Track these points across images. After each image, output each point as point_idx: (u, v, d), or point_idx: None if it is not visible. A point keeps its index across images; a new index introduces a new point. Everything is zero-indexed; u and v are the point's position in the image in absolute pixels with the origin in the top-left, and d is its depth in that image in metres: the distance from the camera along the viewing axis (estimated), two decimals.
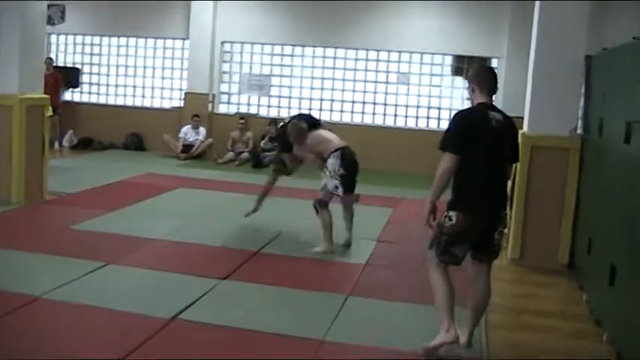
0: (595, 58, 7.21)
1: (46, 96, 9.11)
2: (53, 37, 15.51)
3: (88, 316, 5.09)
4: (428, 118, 14.16)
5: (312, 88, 14.56)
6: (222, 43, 14.79)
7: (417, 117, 14.20)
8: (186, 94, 14.83)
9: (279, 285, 6.09)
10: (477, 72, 5.00)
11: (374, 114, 14.34)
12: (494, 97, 4.98)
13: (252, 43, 14.78)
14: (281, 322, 5.17)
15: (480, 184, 4.69)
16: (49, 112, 9.08)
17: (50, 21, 12.78)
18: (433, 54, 13.96)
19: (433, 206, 4.85)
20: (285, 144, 7.62)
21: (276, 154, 7.79)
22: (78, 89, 15.66)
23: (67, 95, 15.38)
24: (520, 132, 6.18)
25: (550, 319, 5.92)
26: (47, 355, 4.33)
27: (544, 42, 7.60)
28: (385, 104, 14.27)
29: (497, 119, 4.74)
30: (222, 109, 15.05)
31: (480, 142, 4.64)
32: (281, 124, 7.58)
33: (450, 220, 4.71)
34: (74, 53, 15.92)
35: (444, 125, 13.85)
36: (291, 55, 14.61)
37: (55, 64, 14.41)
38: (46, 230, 7.63)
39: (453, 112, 13.58)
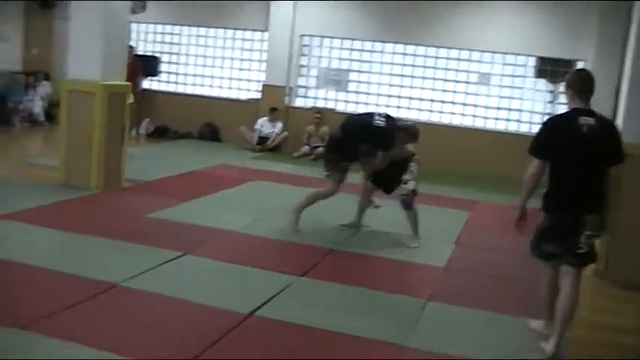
0: None
1: (128, 83, 9.16)
2: (134, 26, 15.63)
3: (165, 306, 5.04)
4: (508, 120, 13.82)
5: (390, 85, 14.36)
6: (302, 36, 14.70)
7: (496, 119, 13.86)
8: (263, 86, 14.79)
9: (356, 285, 5.96)
10: (575, 77, 4.99)
11: (452, 113, 14.07)
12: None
13: (332, 38, 14.64)
14: (359, 325, 5.03)
15: (566, 188, 4.80)
16: (130, 100, 9.12)
17: (132, 9, 12.88)
18: (516, 55, 13.60)
19: (522, 211, 5.01)
20: (391, 143, 7.41)
21: (368, 152, 7.50)
22: (156, 78, 15.78)
23: (145, 83, 15.50)
24: None
25: (629, 335, 5.67)
26: (123, 345, 4.29)
27: None
28: (464, 104, 13.98)
29: (589, 124, 4.74)
30: (299, 102, 14.97)
31: (567, 147, 4.76)
32: (383, 123, 7.34)
33: (540, 218, 4.98)
34: (154, 42, 16.07)
35: (524, 128, 13.64)
36: (371, 51, 14.42)
37: (135, 53, 14.54)
38: (123, 217, 7.63)
39: (534, 116, 13.36)
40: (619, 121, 7.47)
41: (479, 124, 13.92)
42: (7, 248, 5.96)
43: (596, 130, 4.73)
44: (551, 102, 13.65)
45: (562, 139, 4.76)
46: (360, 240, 7.49)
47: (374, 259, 6.87)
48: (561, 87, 4.98)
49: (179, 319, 4.85)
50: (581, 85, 4.89)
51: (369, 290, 5.85)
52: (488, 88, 13.83)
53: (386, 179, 7.58)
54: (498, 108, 13.83)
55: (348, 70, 14.63)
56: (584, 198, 4.79)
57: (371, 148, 7.37)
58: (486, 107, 13.87)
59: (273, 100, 14.43)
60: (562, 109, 13.03)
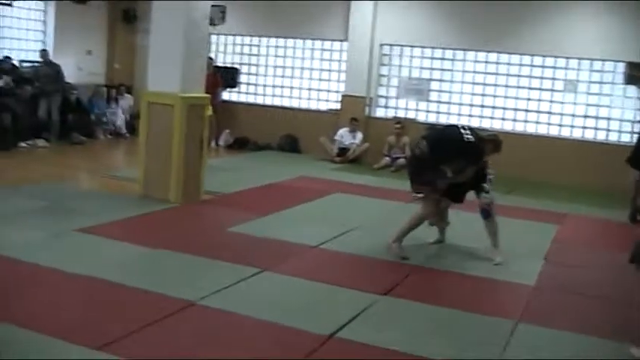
0: None
1: (207, 95, 9.12)
2: (213, 37, 15.70)
3: (243, 326, 4.88)
4: (596, 129, 13.31)
5: (472, 94, 14.03)
6: (381, 45, 14.51)
7: (583, 127, 13.37)
8: (343, 96, 14.65)
9: (441, 305, 5.67)
10: None
11: (537, 123, 13.64)
12: None
13: (412, 47, 14.41)
14: (445, 348, 4.77)
15: None
16: (209, 112, 9.07)
17: (211, 21, 12.91)
18: (604, 60, 13.10)
19: None
20: (482, 157, 7.14)
21: (462, 168, 7.10)
22: (236, 89, 15.81)
23: (225, 95, 15.54)
24: None
25: None
26: None
27: None
28: (550, 113, 13.53)
29: None
30: (379, 112, 14.77)
31: None
32: (471, 137, 7.01)
33: None
34: (233, 53, 16.11)
35: (613, 137, 13.11)
36: (452, 60, 14.14)
37: (214, 64, 14.58)
38: (202, 231, 7.55)
39: (624, 124, 12.89)
40: None
41: (565, 133, 13.45)
42: (86, 263, 5.93)
43: None
44: None
45: None
46: (442, 256, 7.22)
47: (458, 277, 6.60)
48: None
49: (257, 341, 4.68)
50: None
51: (454, 310, 5.58)
52: (575, 96, 13.35)
53: (460, 190, 7.28)
54: (585, 116, 13.36)
55: (429, 80, 14.36)
56: None
57: (462, 164, 6.98)
58: (572, 115, 13.40)
59: (353, 110, 14.26)
60: None
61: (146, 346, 4.39)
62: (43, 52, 13.69)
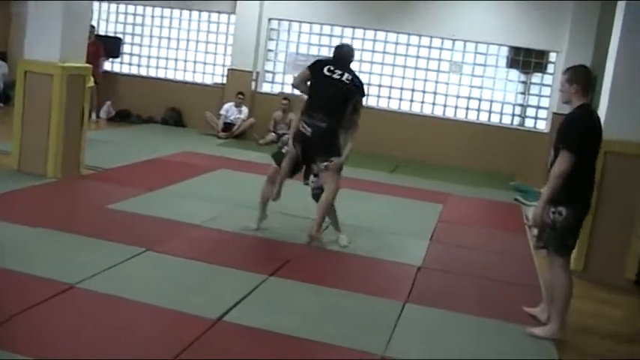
0: None
1: (89, 65, 8.71)
2: (95, 4, 15.03)
3: (126, 311, 4.66)
4: (479, 110, 13.58)
5: (359, 72, 14.01)
6: (270, 20, 14.29)
7: (467, 108, 13.62)
8: (229, 70, 14.36)
9: (329, 285, 5.62)
10: (584, 74, 5.14)
11: (422, 102, 13.78)
12: None
13: (300, 22, 14.26)
14: (336, 331, 4.71)
15: (591, 182, 5.18)
16: (91, 83, 8.68)
17: None
18: (488, 44, 13.36)
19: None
20: None
21: None
22: (118, 59, 15.25)
23: (107, 65, 14.98)
24: None
25: (622, 343, 5.41)
26: (80, 355, 3.92)
27: (627, 38, 6.97)
28: (435, 93, 13.70)
29: (599, 119, 5.22)
30: (266, 88, 14.58)
31: (595, 142, 5.11)
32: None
33: (562, 215, 4.99)
34: (116, 22, 15.45)
35: (495, 119, 13.42)
36: (340, 37, 14.06)
37: (96, 33, 14.03)
38: (82, 208, 7.23)
39: (506, 106, 13.23)
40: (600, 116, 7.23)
41: (449, 114, 13.66)
42: None
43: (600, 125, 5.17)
44: (522, 93, 13.45)
45: (595, 135, 5.09)
46: (328, 235, 7.11)
47: (345, 257, 6.57)
48: (565, 82, 5.03)
49: (139, 326, 4.48)
50: (587, 80, 5.09)
51: (342, 291, 5.52)
52: (460, 77, 13.57)
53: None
54: (469, 98, 13.59)
55: (317, 56, 14.24)
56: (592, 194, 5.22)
57: None
58: (457, 96, 13.61)
59: (240, 85, 14.02)
60: (533, 101, 12.98)
61: (22, 333, 4.10)
62: None
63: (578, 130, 4.94)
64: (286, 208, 7.51)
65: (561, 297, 5.06)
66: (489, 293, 5.97)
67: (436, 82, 13.68)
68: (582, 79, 5.04)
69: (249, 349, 4.31)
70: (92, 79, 8.83)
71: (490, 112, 13.53)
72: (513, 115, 13.48)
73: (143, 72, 15.35)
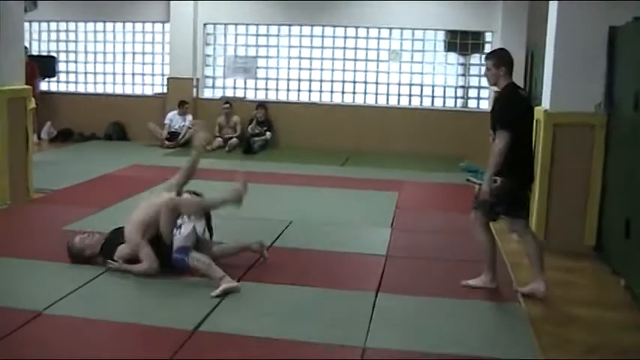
0: (624, 28, 6.72)
1: (29, 87, 8.52)
2: (26, 25, 14.70)
3: (101, 330, 4.58)
4: (421, 96, 13.69)
5: (300, 69, 14.02)
6: (205, 25, 14.19)
7: (410, 95, 13.72)
8: (169, 79, 14.20)
9: (299, 284, 5.61)
10: (506, 56, 5.52)
11: (365, 93, 13.84)
12: None
13: (236, 24, 14.19)
14: (313, 329, 4.70)
15: (525, 156, 5.50)
16: (32, 104, 8.49)
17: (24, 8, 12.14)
18: (425, 30, 13.48)
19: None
20: None
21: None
22: (54, 78, 14.97)
23: (44, 85, 14.69)
24: (541, 109, 7.01)
25: (591, 308, 5.50)
26: None
27: (565, 14, 7.07)
28: (377, 83, 13.78)
29: (525, 96, 5.69)
30: (207, 93, 14.47)
31: (525, 117, 5.51)
32: None
33: (496, 184, 5.36)
34: (49, 41, 15.16)
35: (438, 103, 13.54)
36: (277, 35, 14.05)
37: (29, 53, 13.75)
38: (37, 233, 7.03)
39: (448, 89, 13.38)
40: (545, 91, 7.36)
41: (393, 102, 13.75)
42: None
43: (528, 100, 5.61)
44: (463, 75, 13.60)
45: (524, 109, 5.48)
46: (295, 234, 7.08)
47: (310, 254, 6.54)
48: (492, 67, 5.34)
49: (119, 343, 4.41)
50: (512, 62, 5.49)
51: (313, 289, 5.51)
52: (400, 65, 13.66)
53: None
54: (411, 84, 13.70)
55: (256, 57, 14.23)
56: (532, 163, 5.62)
57: None
58: (399, 84, 13.70)
59: (181, 93, 13.88)
60: (474, 82, 13.15)
61: None
62: None
63: (510, 108, 5.35)
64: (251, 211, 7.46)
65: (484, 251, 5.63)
66: (456, 273, 6.00)
67: (377, 71, 13.75)
68: (507, 61, 5.44)
69: (230, 355, 4.27)
70: (32, 100, 8.60)
71: (433, 96, 13.67)
72: (456, 97, 13.63)
73: (81, 89, 15.13)
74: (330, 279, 5.81)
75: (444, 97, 13.62)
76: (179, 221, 5.53)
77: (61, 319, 4.73)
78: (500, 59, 5.45)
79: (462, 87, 13.60)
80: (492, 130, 5.39)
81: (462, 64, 13.61)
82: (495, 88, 5.99)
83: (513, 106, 5.37)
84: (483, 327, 4.94)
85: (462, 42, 13.38)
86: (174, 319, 4.74)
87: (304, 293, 5.43)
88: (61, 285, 5.32)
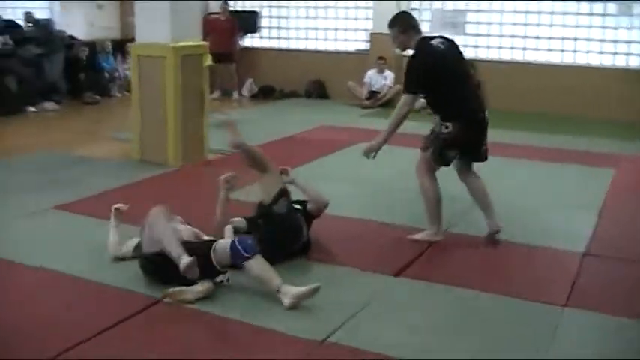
0: None
1: (204, 43, 8.07)
2: None
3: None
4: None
5: (514, 24, 12.69)
6: None
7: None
8: (372, 35, 13.42)
9: (464, 286, 4.62)
10: (408, 18, 5.42)
11: (587, 52, 12.26)
12: None
13: None
14: (478, 346, 3.81)
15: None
16: (208, 61, 8.04)
17: None
18: None
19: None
20: None
21: None
22: (257, 34, 14.67)
23: (246, 41, 14.45)
24: None
25: None
26: None
27: None
28: (602, 41, 12.13)
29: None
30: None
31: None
32: None
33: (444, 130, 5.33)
34: None
35: None
36: None
37: (231, 9, 13.52)
38: (199, 199, 6.49)
39: None
40: None
41: (619, 62, 12.07)
42: (54, 252, 5.12)
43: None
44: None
45: (438, 61, 5.24)
46: (476, 219, 5.95)
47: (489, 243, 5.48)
48: (399, 35, 5.38)
49: None
50: (414, 20, 5.42)
51: (478, 293, 4.52)
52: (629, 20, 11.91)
53: None
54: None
55: (465, 11, 13.06)
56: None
57: None
58: (628, 42, 11.97)
59: (384, 49, 13.01)
60: None
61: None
62: (28, 15, 12.73)
63: (412, 69, 5.22)
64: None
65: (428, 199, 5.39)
66: None
67: (603, 27, 12.09)
68: (410, 24, 5.33)
69: None
70: (210, 57, 8.16)
71: None
72: None
73: (283, 45, 14.71)
74: (502, 280, 4.81)
75: None
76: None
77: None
78: (404, 25, 5.31)
79: None
80: None
81: None
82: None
83: (418, 65, 5.17)
84: None
85: None
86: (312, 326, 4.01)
87: (469, 297, 4.47)
88: None
